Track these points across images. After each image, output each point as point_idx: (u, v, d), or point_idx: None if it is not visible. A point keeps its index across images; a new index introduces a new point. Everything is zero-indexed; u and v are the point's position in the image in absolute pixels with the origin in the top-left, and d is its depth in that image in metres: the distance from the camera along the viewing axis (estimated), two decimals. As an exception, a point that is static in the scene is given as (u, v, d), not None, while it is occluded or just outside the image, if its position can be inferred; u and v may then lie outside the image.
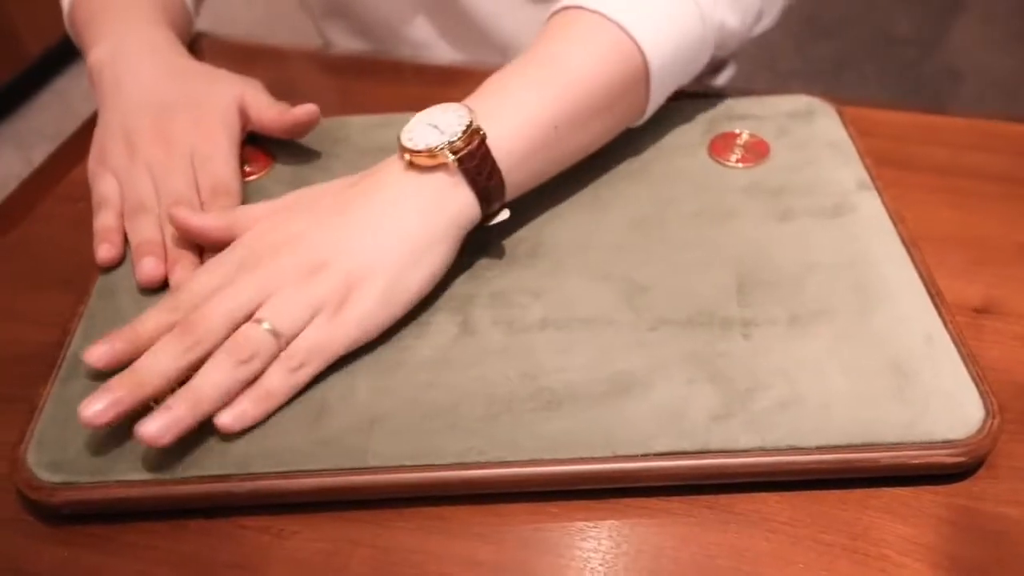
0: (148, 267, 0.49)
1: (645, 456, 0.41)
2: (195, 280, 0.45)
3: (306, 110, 0.56)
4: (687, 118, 0.60)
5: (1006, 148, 0.61)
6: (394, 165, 0.48)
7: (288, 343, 0.44)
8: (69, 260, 0.54)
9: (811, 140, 0.58)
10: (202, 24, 0.76)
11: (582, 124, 0.51)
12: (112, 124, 0.55)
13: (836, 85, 2.04)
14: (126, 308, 0.49)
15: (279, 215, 0.48)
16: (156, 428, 0.40)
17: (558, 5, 0.53)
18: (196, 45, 0.74)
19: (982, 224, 0.55)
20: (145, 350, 0.43)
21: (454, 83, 0.68)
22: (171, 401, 0.41)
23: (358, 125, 0.61)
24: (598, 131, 0.53)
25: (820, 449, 0.41)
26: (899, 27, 2.24)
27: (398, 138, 0.48)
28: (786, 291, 0.48)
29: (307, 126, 0.57)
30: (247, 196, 0.55)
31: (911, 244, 0.50)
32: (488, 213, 0.48)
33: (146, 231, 0.50)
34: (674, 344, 0.45)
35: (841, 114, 0.60)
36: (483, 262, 0.50)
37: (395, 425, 0.42)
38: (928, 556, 0.39)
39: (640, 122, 0.56)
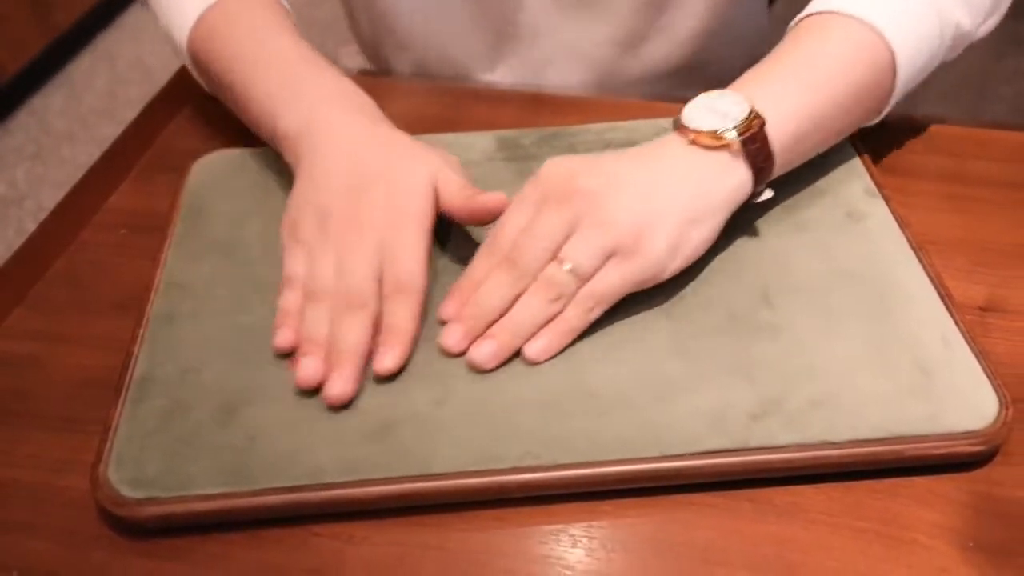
0: (307, 370, 0.48)
1: (691, 455, 0.44)
2: (507, 222, 0.51)
3: (493, 198, 0.53)
4: None
5: (1003, 156, 0.64)
6: (675, 142, 0.52)
7: (584, 283, 0.49)
8: (118, 285, 0.57)
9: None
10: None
11: (838, 116, 0.56)
12: (306, 196, 0.53)
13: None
14: (185, 333, 0.51)
15: (570, 173, 0.51)
16: (486, 354, 0.48)
17: (807, 10, 0.58)
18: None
19: (983, 227, 0.59)
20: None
21: (480, 102, 0.71)
22: (495, 331, 0.49)
23: None
24: (847, 125, 0.58)
25: (851, 443, 0.44)
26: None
27: (678, 119, 0.53)
28: (809, 297, 0.51)
29: (493, 214, 0.53)
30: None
31: (919, 248, 0.54)
32: (755, 192, 0.53)
33: (315, 325, 0.49)
34: (711, 350, 0.48)
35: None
36: None
37: (456, 434, 0.45)
38: (954, 538, 0.43)
39: (876, 121, 0.60)
